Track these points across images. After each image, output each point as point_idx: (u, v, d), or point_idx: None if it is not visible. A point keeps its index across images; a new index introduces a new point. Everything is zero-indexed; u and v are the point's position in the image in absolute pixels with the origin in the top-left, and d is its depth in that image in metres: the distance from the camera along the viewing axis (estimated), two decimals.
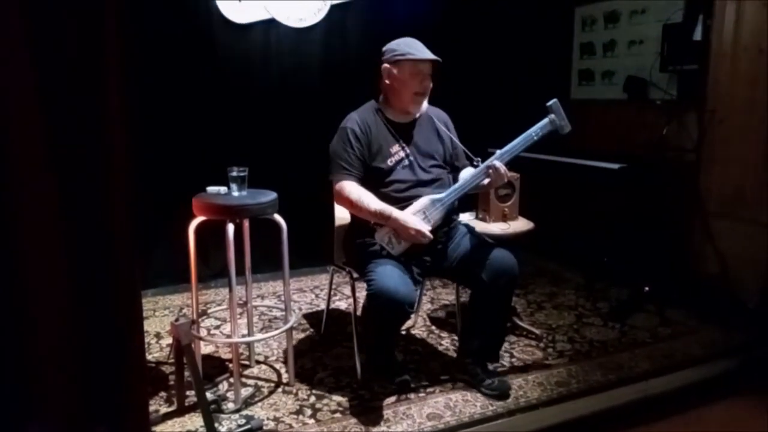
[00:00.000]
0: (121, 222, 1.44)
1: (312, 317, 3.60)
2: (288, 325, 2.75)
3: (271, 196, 2.62)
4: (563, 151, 4.22)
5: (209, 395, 2.59)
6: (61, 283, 1.39)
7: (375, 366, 2.84)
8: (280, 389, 2.75)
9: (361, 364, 2.82)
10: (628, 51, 4.35)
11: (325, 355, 3.07)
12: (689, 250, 3.87)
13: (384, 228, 2.56)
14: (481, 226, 3.08)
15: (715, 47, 3.65)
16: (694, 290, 3.72)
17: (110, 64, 1.37)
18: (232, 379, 2.69)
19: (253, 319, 3.07)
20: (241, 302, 3.27)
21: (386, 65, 2.67)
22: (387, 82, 2.69)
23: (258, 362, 3.00)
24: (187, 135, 3.87)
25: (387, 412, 2.54)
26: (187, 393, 2.57)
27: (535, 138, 2.55)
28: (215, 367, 2.95)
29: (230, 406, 2.58)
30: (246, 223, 2.73)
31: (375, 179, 2.65)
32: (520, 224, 3.24)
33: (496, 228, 3.15)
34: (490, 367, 2.81)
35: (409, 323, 3.38)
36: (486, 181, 2.62)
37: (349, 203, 2.62)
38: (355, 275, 2.81)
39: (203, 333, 3.21)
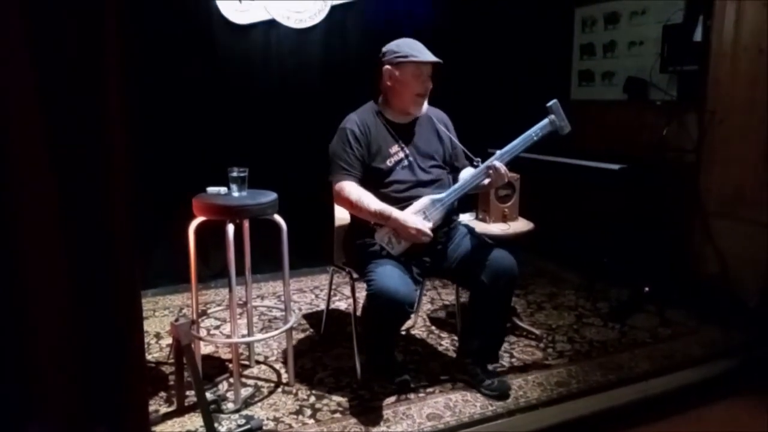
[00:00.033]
0: (121, 222, 1.44)
1: (312, 317, 3.60)
2: (288, 326, 2.75)
3: (271, 196, 2.62)
4: (563, 152, 4.22)
5: (209, 395, 2.59)
6: (61, 283, 1.39)
7: (375, 366, 2.84)
8: (279, 389, 2.75)
9: (360, 364, 2.82)
10: (629, 52, 4.35)
11: (324, 356, 3.07)
12: (689, 250, 3.87)
13: (384, 228, 2.56)
14: (481, 227, 3.08)
15: (715, 48, 3.65)
16: (694, 290, 3.72)
17: (110, 64, 1.37)
18: (231, 379, 2.69)
19: (252, 319, 3.07)
20: (240, 302, 3.27)
21: (388, 67, 2.66)
22: (388, 83, 2.69)
23: (258, 362, 3.01)
24: (187, 135, 3.87)
25: (387, 412, 2.54)
26: (187, 393, 2.57)
27: (535, 138, 2.55)
28: (215, 368, 2.95)
29: (230, 406, 2.58)
30: (246, 224, 2.73)
31: (374, 180, 2.65)
32: (520, 225, 3.24)
33: (496, 228, 3.15)
34: (490, 367, 2.81)
35: (409, 323, 3.38)
36: (486, 181, 2.62)
37: (348, 204, 2.62)
38: (355, 275, 2.81)
39: (203, 333, 3.21)
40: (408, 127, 2.77)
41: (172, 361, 2.73)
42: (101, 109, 1.37)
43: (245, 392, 2.69)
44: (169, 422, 2.45)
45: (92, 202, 1.40)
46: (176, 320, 2.29)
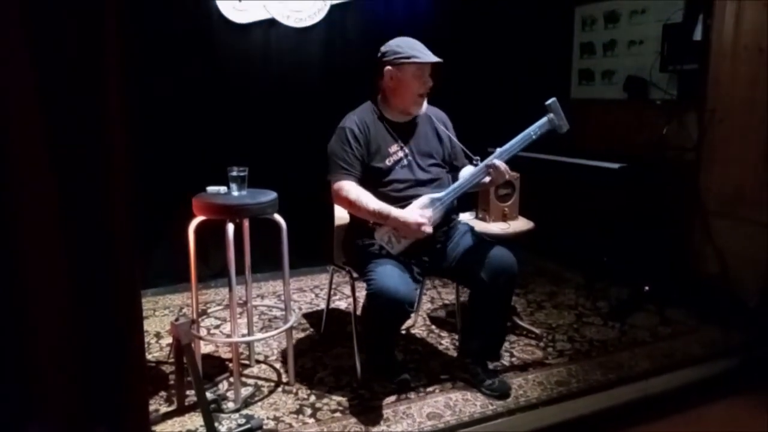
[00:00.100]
0: (121, 222, 1.44)
1: (312, 317, 3.60)
2: (288, 325, 2.75)
3: (271, 195, 2.62)
4: (563, 151, 4.22)
5: (209, 395, 2.59)
6: (61, 283, 1.39)
7: (375, 365, 2.84)
8: (280, 389, 2.75)
9: (361, 363, 2.82)
10: (628, 51, 4.35)
11: (325, 355, 3.07)
12: (689, 249, 3.87)
13: (383, 227, 2.56)
14: (481, 226, 3.08)
15: (715, 47, 3.65)
16: (694, 290, 3.72)
17: (110, 64, 1.37)
18: (232, 379, 2.69)
19: (253, 318, 3.07)
20: (240, 302, 3.27)
21: (389, 68, 2.65)
22: (389, 84, 2.68)
23: (258, 362, 3.01)
24: (187, 135, 3.87)
25: (387, 412, 2.54)
26: (187, 392, 2.57)
27: (534, 137, 2.55)
28: (215, 367, 2.95)
29: (230, 405, 2.58)
30: (246, 223, 2.73)
31: (374, 179, 2.65)
32: (520, 224, 3.25)
33: (496, 228, 3.15)
34: (491, 365, 2.81)
35: (409, 323, 3.38)
36: (487, 179, 2.62)
37: (347, 203, 2.62)
38: (355, 275, 2.81)
39: (203, 332, 3.21)
40: (407, 126, 2.77)
41: (172, 360, 2.74)
42: (101, 109, 1.37)
43: (245, 392, 2.69)
44: (170, 422, 2.45)
45: (92, 202, 1.40)
46: (176, 320, 2.29)
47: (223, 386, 2.78)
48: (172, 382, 2.73)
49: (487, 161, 2.56)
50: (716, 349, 3.13)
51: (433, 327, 3.44)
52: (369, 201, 2.56)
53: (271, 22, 4.03)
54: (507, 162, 2.57)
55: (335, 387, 2.75)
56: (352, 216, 2.77)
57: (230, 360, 2.86)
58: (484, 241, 2.73)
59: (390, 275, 2.42)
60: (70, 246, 1.38)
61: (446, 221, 2.72)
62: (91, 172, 1.39)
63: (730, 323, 3.36)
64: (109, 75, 1.37)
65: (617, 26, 4.43)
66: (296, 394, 2.69)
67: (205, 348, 3.09)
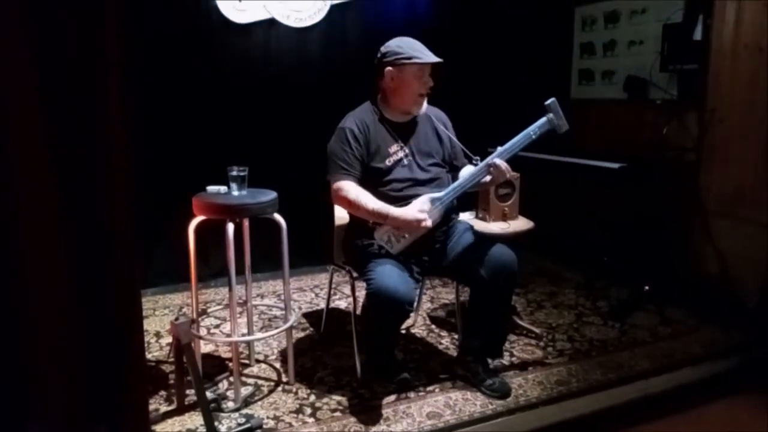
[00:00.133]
0: (121, 222, 1.44)
1: (312, 316, 3.60)
2: (288, 324, 2.75)
3: (271, 195, 2.62)
4: (563, 151, 4.22)
5: (209, 394, 2.59)
6: (61, 283, 1.39)
7: (375, 365, 2.84)
8: (279, 388, 2.75)
9: (360, 363, 2.82)
10: (628, 51, 4.34)
11: (324, 354, 3.07)
12: (689, 249, 3.87)
13: (383, 227, 2.57)
14: (481, 226, 3.08)
15: (715, 47, 3.65)
16: (694, 289, 3.72)
17: (110, 64, 1.37)
18: (232, 378, 2.69)
19: (252, 318, 3.07)
20: (240, 301, 3.27)
21: (389, 68, 2.65)
22: (390, 84, 2.68)
23: (258, 361, 3.01)
24: (187, 135, 3.87)
25: (387, 411, 2.54)
26: (187, 392, 2.57)
27: (533, 137, 2.54)
28: (215, 366, 2.95)
29: (230, 404, 2.58)
30: (246, 223, 2.73)
31: (373, 179, 2.65)
32: (520, 223, 3.25)
33: (496, 227, 3.15)
34: (493, 362, 2.81)
35: (409, 322, 3.39)
36: (487, 178, 2.62)
37: (347, 203, 2.62)
38: (355, 274, 2.81)
39: (203, 332, 3.21)
40: (407, 126, 2.77)
41: (172, 360, 2.74)
42: (101, 109, 1.37)
43: (245, 391, 2.69)
44: (170, 421, 2.46)
45: (92, 202, 1.40)
46: (176, 319, 2.30)
47: (223, 386, 2.78)
48: (172, 382, 2.73)
49: (487, 160, 2.56)
50: (716, 349, 3.13)
51: (433, 326, 3.44)
52: (368, 201, 2.56)
53: (271, 22, 4.03)
54: (507, 162, 2.57)
55: (335, 386, 2.75)
56: (351, 216, 2.77)
57: (230, 359, 2.86)
58: (483, 239, 2.73)
59: (389, 275, 2.42)
60: (70, 246, 1.38)
61: (446, 220, 2.72)
62: (91, 172, 1.39)
63: (730, 323, 3.36)
64: (109, 75, 1.37)
65: (617, 26, 4.43)
66: (296, 393, 2.70)
67: (205, 347, 3.09)
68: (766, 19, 3.36)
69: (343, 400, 2.63)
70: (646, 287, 3.69)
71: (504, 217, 3.22)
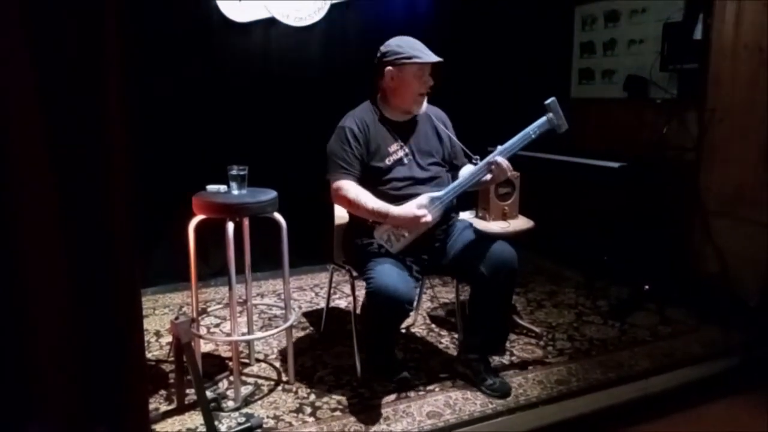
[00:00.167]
0: (121, 222, 1.44)
1: (312, 315, 3.60)
2: (288, 324, 2.75)
3: (271, 194, 2.62)
4: (563, 150, 4.22)
5: (209, 393, 2.59)
6: (61, 283, 1.39)
7: (375, 364, 2.84)
8: (280, 387, 2.75)
9: (360, 362, 2.82)
10: (629, 50, 4.34)
11: (325, 354, 3.08)
12: (689, 249, 3.87)
13: (383, 226, 2.57)
14: (481, 225, 3.08)
15: (716, 46, 3.65)
16: (694, 289, 3.72)
17: (110, 64, 1.37)
18: (232, 378, 2.69)
19: (252, 317, 3.07)
20: (240, 300, 3.28)
21: (389, 68, 2.64)
22: (390, 84, 2.68)
23: (258, 360, 3.01)
24: (187, 134, 3.87)
25: (387, 410, 2.54)
26: (187, 391, 2.57)
27: (533, 136, 2.54)
28: (215, 366, 2.96)
29: (230, 404, 2.58)
30: (246, 222, 2.73)
31: (373, 178, 2.65)
32: (520, 223, 3.25)
33: (496, 226, 3.15)
34: (494, 361, 2.80)
35: (408, 321, 3.39)
36: (488, 177, 2.61)
37: (347, 202, 2.62)
38: (355, 274, 2.81)
39: (203, 331, 3.21)
40: (407, 125, 2.77)
41: (172, 359, 2.74)
42: (101, 109, 1.37)
43: (245, 390, 2.69)
44: (170, 420, 2.46)
45: (92, 202, 1.40)
46: (176, 318, 2.30)
47: (223, 385, 2.78)
48: (172, 381, 2.73)
49: (489, 158, 2.55)
50: (716, 348, 3.13)
51: (433, 326, 3.44)
52: (368, 200, 2.56)
53: (271, 22, 4.03)
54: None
55: (335, 386, 2.75)
56: (351, 215, 2.78)
57: (230, 359, 2.87)
58: (483, 237, 2.74)
59: (389, 274, 2.42)
60: (70, 246, 1.38)
61: (445, 219, 2.72)
62: (91, 172, 1.39)
63: (730, 323, 3.36)
64: (109, 75, 1.37)
65: (617, 25, 4.43)
66: (296, 392, 2.70)
67: (205, 347, 3.09)
68: (766, 18, 3.36)
69: (343, 399, 2.63)
70: (646, 287, 3.69)
71: (504, 217, 3.23)
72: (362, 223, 2.64)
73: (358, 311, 2.93)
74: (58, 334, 1.40)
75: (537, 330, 3.32)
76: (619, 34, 4.41)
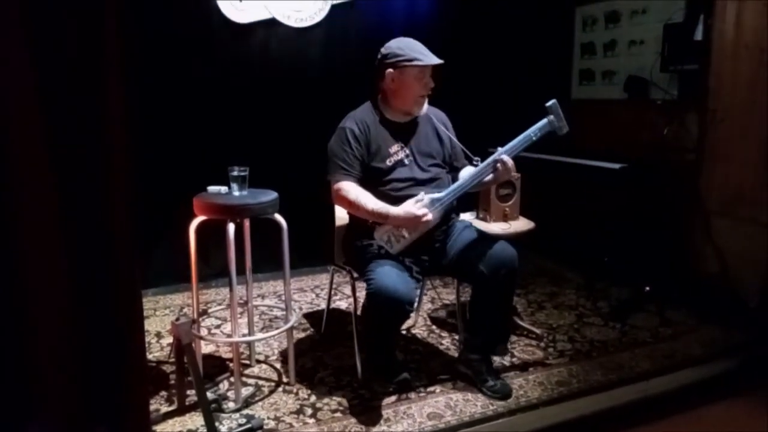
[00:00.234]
0: (121, 222, 1.44)
1: (312, 317, 3.60)
2: (288, 325, 2.75)
3: (272, 195, 2.62)
4: (564, 151, 4.22)
5: (210, 394, 2.59)
6: (61, 283, 1.39)
7: (375, 365, 2.83)
8: (280, 389, 2.75)
9: (361, 363, 2.82)
10: (629, 51, 4.34)
11: (325, 355, 3.07)
12: (689, 249, 3.86)
13: (383, 227, 2.57)
14: (481, 226, 3.07)
15: (716, 47, 3.64)
16: (694, 290, 3.71)
17: (110, 64, 1.37)
18: (232, 379, 2.69)
19: (253, 318, 3.07)
20: (241, 302, 3.28)
21: (390, 70, 2.64)
22: (390, 85, 2.67)
23: (258, 362, 3.01)
24: (187, 135, 3.87)
25: (387, 412, 2.54)
26: (188, 392, 2.57)
27: (534, 138, 2.54)
28: (216, 367, 2.95)
29: (231, 405, 2.58)
30: (247, 223, 2.73)
31: (374, 179, 2.65)
32: (521, 224, 3.25)
33: (496, 228, 3.15)
34: (496, 362, 2.80)
35: (409, 322, 3.39)
36: (489, 177, 2.61)
37: (347, 203, 2.62)
38: (355, 275, 2.81)
39: (204, 332, 3.21)
40: (408, 126, 2.77)
41: (172, 360, 2.73)
42: (101, 109, 1.37)
43: (246, 391, 2.69)
44: (170, 421, 2.46)
45: (92, 202, 1.40)
46: (177, 319, 2.30)
47: (224, 386, 2.78)
48: (172, 382, 2.73)
49: (494, 156, 2.54)
50: (717, 349, 3.12)
51: (434, 327, 3.44)
52: (368, 201, 2.56)
53: (272, 22, 4.03)
54: None
55: (336, 387, 2.75)
56: (351, 216, 2.77)
57: (231, 360, 2.86)
58: (483, 236, 2.74)
59: (389, 275, 2.42)
60: (70, 246, 1.38)
61: (445, 220, 2.72)
62: (91, 172, 1.39)
63: (730, 323, 3.36)
64: (109, 75, 1.37)
65: (618, 26, 4.43)
66: (297, 394, 2.69)
67: (206, 348, 3.09)
68: (767, 19, 3.36)
69: (344, 400, 2.63)
70: (647, 288, 3.69)
71: (505, 218, 3.23)
72: (362, 224, 2.64)
73: (358, 312, 2.92)
74: (58, 334, 1.40)
75: (538, 331, 3.32)
76: (620, 35, 4.41)
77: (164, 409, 2.55)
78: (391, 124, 2.73)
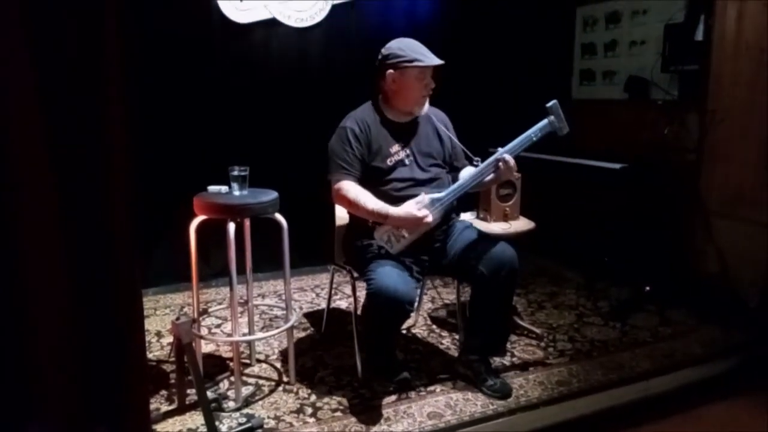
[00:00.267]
0: (121, 222, 1.44)
1: (313, 316, 3.60)
2: (289, 324, 2.75)
3: (272, 195, 2.62)
4: (565, 151, 4.21)
5: (210, 394, 2.59)
6: (61, 283, 1.39)
7: (375, 365, 2.83)
8: (280, 388, 2.75)
9: (361, 363, 2.82)
10: (630, 51, 4.34)
11: (325, 354, 3.07)
12: (690, 249, 3.86)
13: (383, 227, 2.56)
14: (482, 226, 3.08)
15: (717, 47, 3.64)
16: (694, 289, 3.71)
17: (110, 64, 1.37)
18: (232, 378, 2.69)
19: (253, 318, 3.07)
20: (241, 301, 3.28)
21: (390, 71, 2.64)
22: (391, 86, 2.67)
23: (259, 361, 3.01)
24: (187, 135, 3.87)
25: (387, 411, 2.54)
26: (188, 391, 2.58)
27: (534, 139, 2.54)
28: (216, 366, 2.96)
29: (231, 404, 2.59)
30: (247, 222, 2.74)
31: (374, 179, 2.65)
32: (521, 224, 3.25)
33: (497, 228, 3.15)
34: (497, 360, 2.80)
35: (409, 322, 3.39)
36: (490, 177, 2.61)
37: (347, 203, 2.62)
38: (356, 274, 2.81)
39: (204, 332, 3.22)
40: (408, 126, 2.77)
41: (173, 359, 2.74)
42: (101, 109, 1.38)
43: (246, 391, 2.69)
44: (170, 420, 2.46)
45: (92, 202, 1.40)
46: (177, 319, 2.30)
47: (224, 385, 2.78)
48: (172, 381, 2.74)
49: (496, 155, 2.53)
50: (717, 349, 3.12)
51: (434, 327, 3.44)
52: (368, 201, 2.56)
53: (273, 22, 4.03)
54: None
55: (336, 386, 2.75)
56: (351, 216, 2.77)
57: (231, 359, 2.86)
58: (483, 236, 2.73)
59: (389, 275, 2.42)
60: (70, 246, 1.38)
61: (445, 220, 2.72)
62: (91, 172, 1.39)
63: (731, 323, 3.36)
64: (109, 75, 1.37)
65: (618, 26, 4.43)
66: (297, 393, 2.70)
67: (206, 347, 3.09)
68: (767, 19, 3.36)
69: (344, 400, 2.63)
70: (647, 287, 3.69)
71: (505, 218, 3.23)
72: (362, 224, 2.64)
73: (358, 312, 2.92)
74: (58, 334, 1.40)
75: (538, 331, 3.32)
76: (620, 35, 4.41)
77: (164, 408, 2.55)
78: (391, 124, 2.73)
